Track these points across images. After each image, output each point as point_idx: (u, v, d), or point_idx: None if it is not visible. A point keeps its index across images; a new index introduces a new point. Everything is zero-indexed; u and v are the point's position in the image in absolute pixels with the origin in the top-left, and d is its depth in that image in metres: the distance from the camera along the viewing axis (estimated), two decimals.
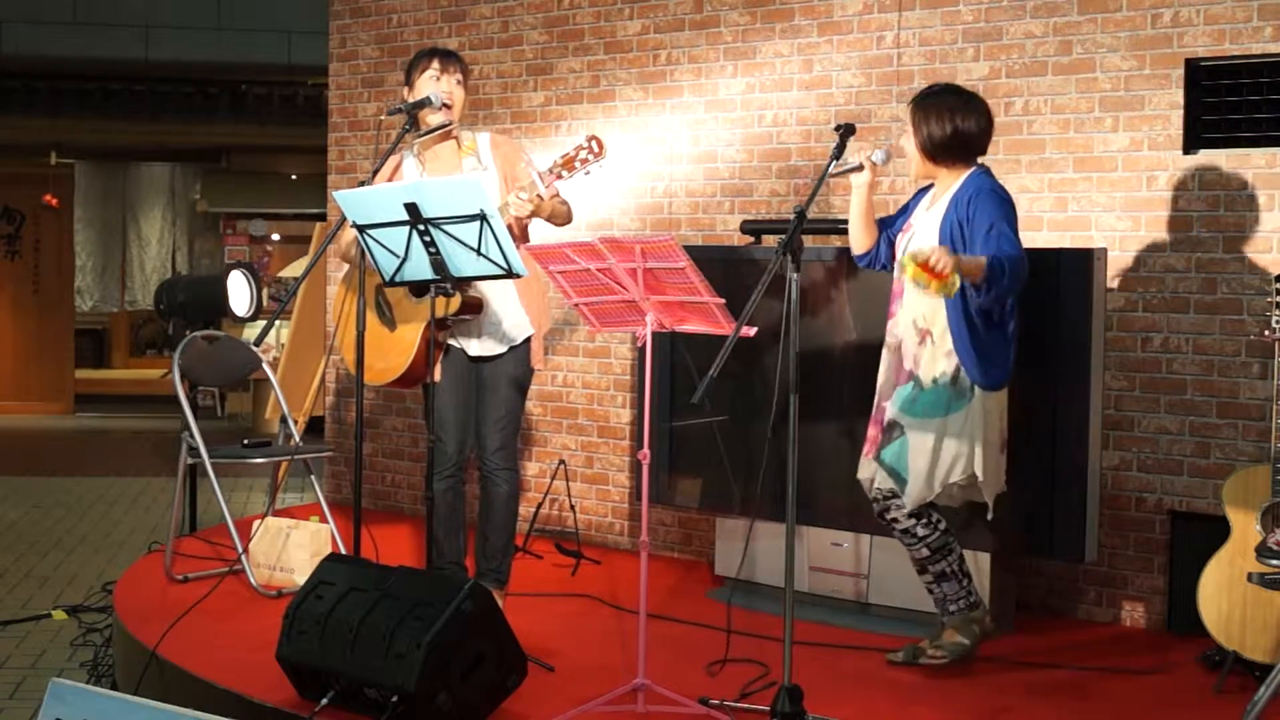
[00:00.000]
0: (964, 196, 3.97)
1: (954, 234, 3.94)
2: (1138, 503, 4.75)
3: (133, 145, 15.21)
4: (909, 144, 4.07)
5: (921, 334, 4.00)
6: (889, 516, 4.07)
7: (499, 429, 4.57)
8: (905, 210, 4.23)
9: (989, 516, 4.07)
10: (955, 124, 4.00)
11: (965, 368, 3.95)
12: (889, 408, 4.06)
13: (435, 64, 4.54)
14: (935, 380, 3.97)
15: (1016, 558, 4.73)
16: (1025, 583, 4.90)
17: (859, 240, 4.22)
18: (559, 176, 4.21)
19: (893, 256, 4.17)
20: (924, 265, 3.57)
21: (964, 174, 4.03)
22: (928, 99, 4.07)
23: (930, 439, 3.96)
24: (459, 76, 4.55)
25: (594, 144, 4.16)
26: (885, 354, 4.13)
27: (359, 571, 3.80)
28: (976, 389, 3.94)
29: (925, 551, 4.07)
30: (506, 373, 4.57)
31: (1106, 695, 4.03)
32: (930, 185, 4.17)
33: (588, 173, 4.20)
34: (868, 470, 4.14)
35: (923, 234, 4.01)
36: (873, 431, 4.13)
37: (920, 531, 4.04)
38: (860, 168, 4.06)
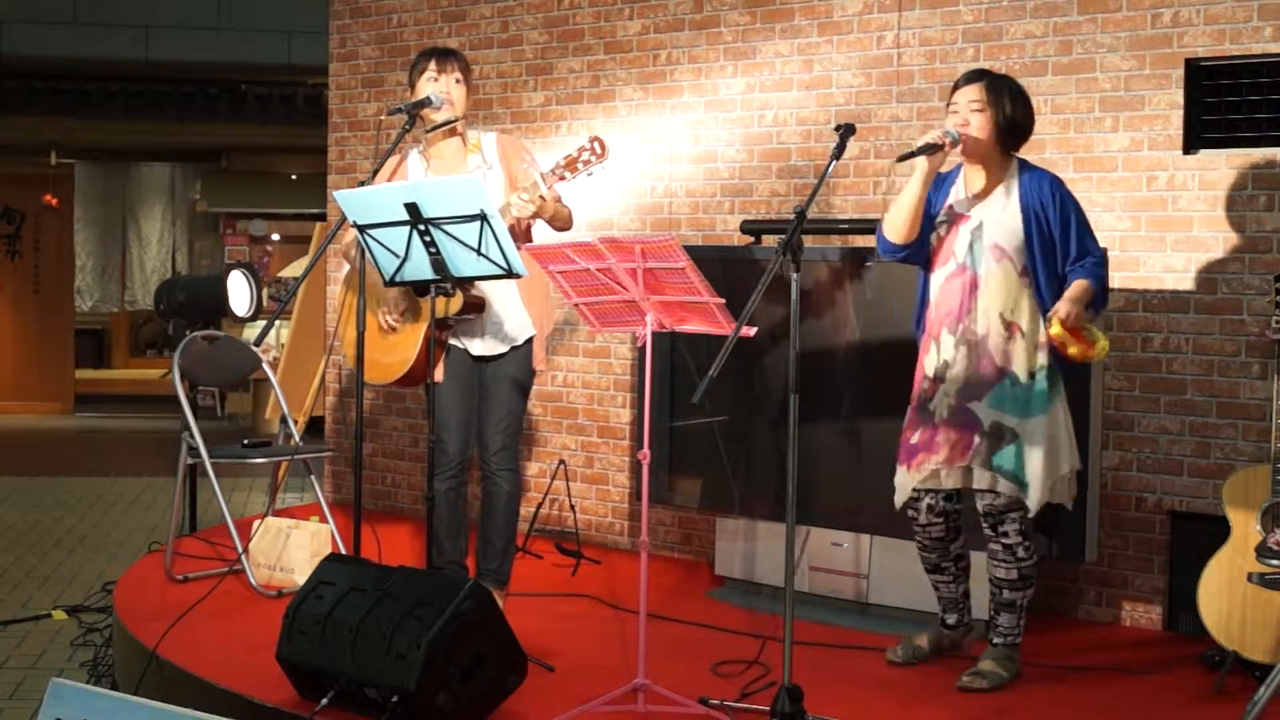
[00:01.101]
0: (1039, 184, 3.92)
1: (1039, 223, 3.89)
2: (1138, 503, 4.75)
3: (133, 145, 15.23)
4: (977, 120, 3.89)
5: (1010, 327, 3.89)
6: (1002, 529, 3.92)
7: (500, 429, 4.57)
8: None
9: (1070, 506, 4.00)
10: (1031, 112, 3.98)
11: (1055, 358, 3.90)
12: (983, 409, 3.89)
13: (432, 65, 4.55)
14: (1034, 374, 3.88)
15: None
16: None
17: (908, 228, 3.94)
18: (561, 178, 4.21)
19: (930, 250, 4.03)
20: (1069, 329, 3.73)
21: (1012, 163, 3.99)
22: (1005, 80, 3.96)
23: (1044, 437, 3.88)
24: (457, 75, 4.55)
25: (597, 145, 4.16)
26: (958, 350, 3.92)
27: (359, 571, 3.80)
28: (1061, 378, 3.94)
29: (1014, 574, 3.96)
30: (508, 373, 4.57)
31: (1106, 695, 4.03)
32: (947, 173, 4.05)
33: (590, 174, 4.20)
34: (953, 480, 3.95)
35: (995, 224, 3.91)
36: (954, 435, 3.91)
37: (1021, 553, 3.95)
38: (940, 146, 3.85)
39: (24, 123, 12.77)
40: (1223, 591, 4.06)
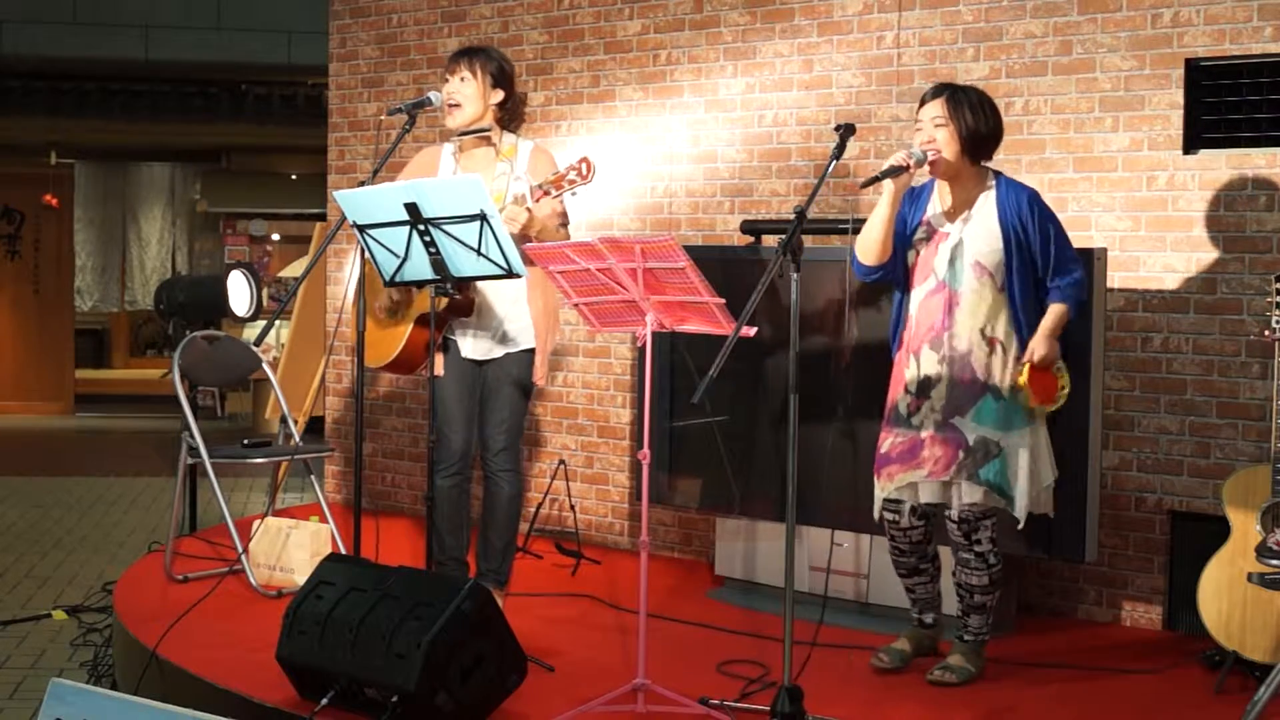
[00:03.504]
0: (1017, 202, 3.94)
1: (1019, 240, 3.91)
2: (1138, 503, 4.75)
3: (133, 145, 15.23)
4: (942, 136, 3.90)
5: (991, 343, 3.92)
6: (975, 536, 3.94)
7: (502, 430, 4.56)
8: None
9: (1052, 515, 4.03)
10: (997, 121, 3.99)
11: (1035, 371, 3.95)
12: (968, 425, 3.90)
13: (446, 70, 4.55)
14: (1013, 389, 3.91)
15: (1016, 558, 4.73)
16: (1025, 583, 4.90)
17: (879, 250, 3.97)
18: (546, 193, 4.21)
19: (907, 268, 4.05)
20: (1038, 372, 3.84)
21: (988, 176, 4.00)
22: (966, 92, 3.97)
23: (1028, 449, 3.92)
24: (464, 74, 4.51)
25: (584, 167, 4.15)
26: (941, 365, 3.93)
27: (359, 571, 3.80)
28: None
29: (986, 580, 4.00)
30: (510, 374, 4.56)
31: (1106, 695, 4.03)
32: (920, 188, 4.07)
33: (574, 194, 4.22)
34: (930, 493, 3.96)
35: (975, 241, 3.92)
36: (939, 451, 3.93)
37: (993, 559, 3.98)
38: (904, 168, 3.86)
39: (24, 123, 12.77)
40: (1223, 591, 4.06)
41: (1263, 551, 3.90)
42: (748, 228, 5.24)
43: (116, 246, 16.60)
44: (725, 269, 4.72)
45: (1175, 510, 4.68)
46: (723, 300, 3.65)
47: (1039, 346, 3.87)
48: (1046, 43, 4.88)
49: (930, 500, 4.00)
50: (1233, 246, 4.57)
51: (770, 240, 5.13)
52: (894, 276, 4.08)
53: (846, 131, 3.80)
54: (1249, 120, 4.56)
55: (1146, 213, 4.72)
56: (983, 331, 3.92)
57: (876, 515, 4.10)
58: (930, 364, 3.97)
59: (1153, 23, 4.68)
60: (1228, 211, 4.59)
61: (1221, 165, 4.59)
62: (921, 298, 4.01)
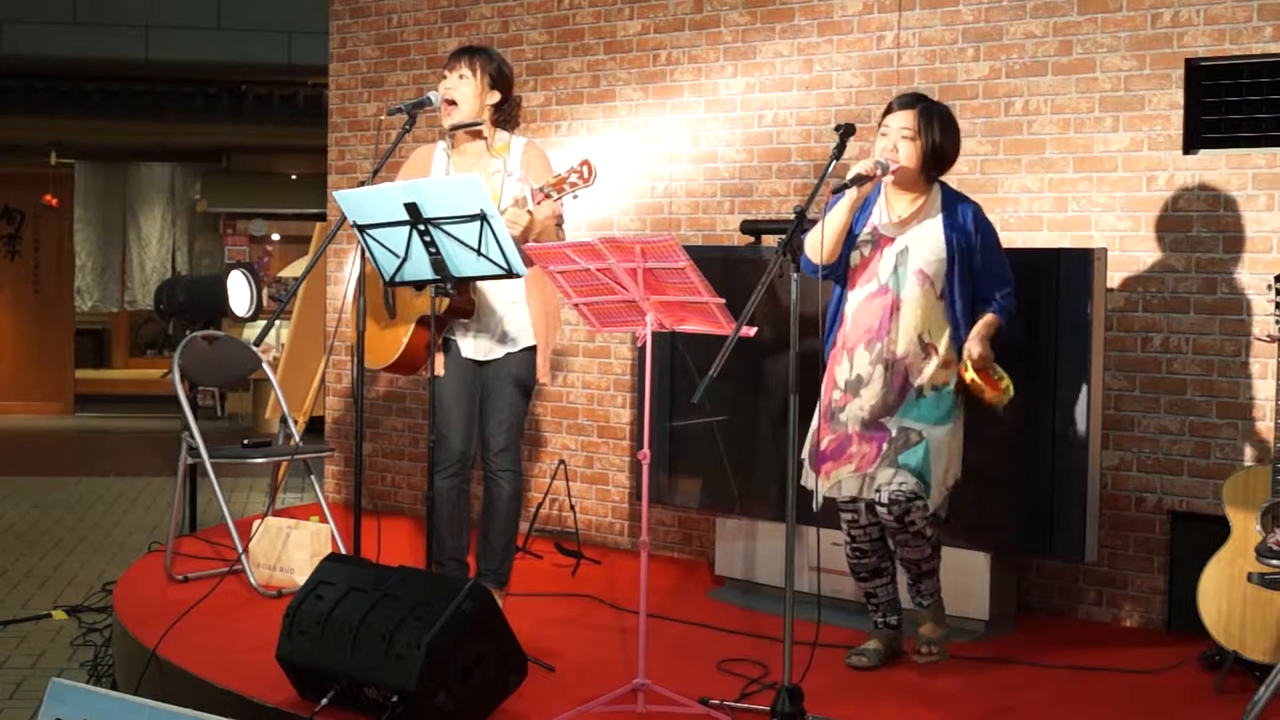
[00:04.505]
0: (962, 214, 4.03)
1: (962, 251, 4.00)
2: (1138, 503, 4.75)
3: (133, 145, 15.21)
4: (906, 149, 3.96)
5: (927, 348, 4.00)
6: (909, 519, 3.99)
7: (502, 430, 4.56)
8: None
9: (944, 515, 4.11)
10: (959, 141, 4.06)
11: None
12: (893, 421, 3.99)
13: (446, 66, 4.55)
14: (938, 389, 3.99)
15: (1016, 558, 4.73)
16: (1025, 583, 4.90)
17: (832, 249, 4.01)
18: (547, 196, 4.20)
19: (850, 268, 4.10)
20: (981, 371, 3.90)
21: (935, 189, 4.06)
22: (938, 108, 4.03)
23: (945, 443, 3.99)
24: (461, 72, 4.51)
25: (585, 169, 4.15)
26: (874, 367, 4.00)
27: (359, 571, 3.80)
28: (962, 396, 4.05)
29: (928, 551, 4.09)
30: (510, 373, 4.56)
31: (1106, 695, 4.03)
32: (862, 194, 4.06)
33: (575, 196, 4.22)
34: (853, 487, 4.06)
35: (921, 250, 3.99)
36: (865, 448, 4.02)
37: (929, 532, 4.06)
38: (871, 178, 3.91)
39: (24, 123, 12.77)
40: (1223, 591, 4.06)
41: (1263, 551, 3.89)
42: (748, 228, 5.24)
43: (116, 246, 16.59)
44: (725, 269, 4.72)
45: (1175, 510, 4.68)
46: (723, 300, 3.66)
47: (975, 346, 3.94)
48: (1046, 43, 4.88)
49: (851, 494, 4.08)
50: (1233, 246, 4.57)
51: (770, 240, 5.14)
52: (837, 275, 4.14)
53: (846, 131, 3.82)
54: (1249, 120, 4.56)
55: (1146, 213, 4.72)
56: (920, 338, 4.01)
57: (816, 506, 4.12)
58: (863, 364, 4.05)
59: (1153, 23, 4.68)
60: (1227, 211, 4.59)
61: (1221, 165, 4.59)
62: (862, 299, 4.08)
